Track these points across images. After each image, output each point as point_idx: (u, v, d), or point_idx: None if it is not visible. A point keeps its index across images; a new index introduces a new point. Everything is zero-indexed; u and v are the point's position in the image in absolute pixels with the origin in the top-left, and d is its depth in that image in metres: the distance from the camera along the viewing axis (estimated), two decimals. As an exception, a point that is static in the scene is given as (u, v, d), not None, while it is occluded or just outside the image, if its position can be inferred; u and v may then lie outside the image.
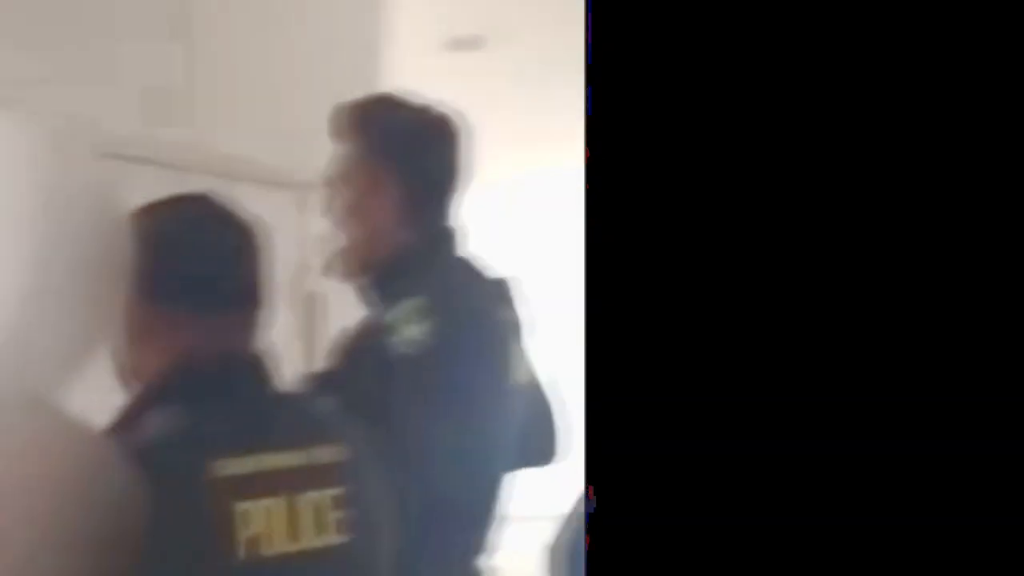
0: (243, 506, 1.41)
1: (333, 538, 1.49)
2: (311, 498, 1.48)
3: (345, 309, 2.23)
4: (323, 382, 2.05)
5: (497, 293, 2.09)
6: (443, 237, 2.09)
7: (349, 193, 2.06)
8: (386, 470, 1.62)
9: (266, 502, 1.43)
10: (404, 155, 2.04)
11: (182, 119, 3.41)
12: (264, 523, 1.43)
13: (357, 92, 2.15)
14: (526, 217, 7.58)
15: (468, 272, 2.09)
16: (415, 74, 3.81)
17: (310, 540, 1.47)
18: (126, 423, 1.47)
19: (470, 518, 2.03)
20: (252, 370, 1.53)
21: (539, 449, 2.22)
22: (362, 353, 2.00)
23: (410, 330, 1.89)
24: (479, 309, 2.00)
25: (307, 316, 3.30)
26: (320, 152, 2.13)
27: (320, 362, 2.25)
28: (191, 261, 1.51)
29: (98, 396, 1.41)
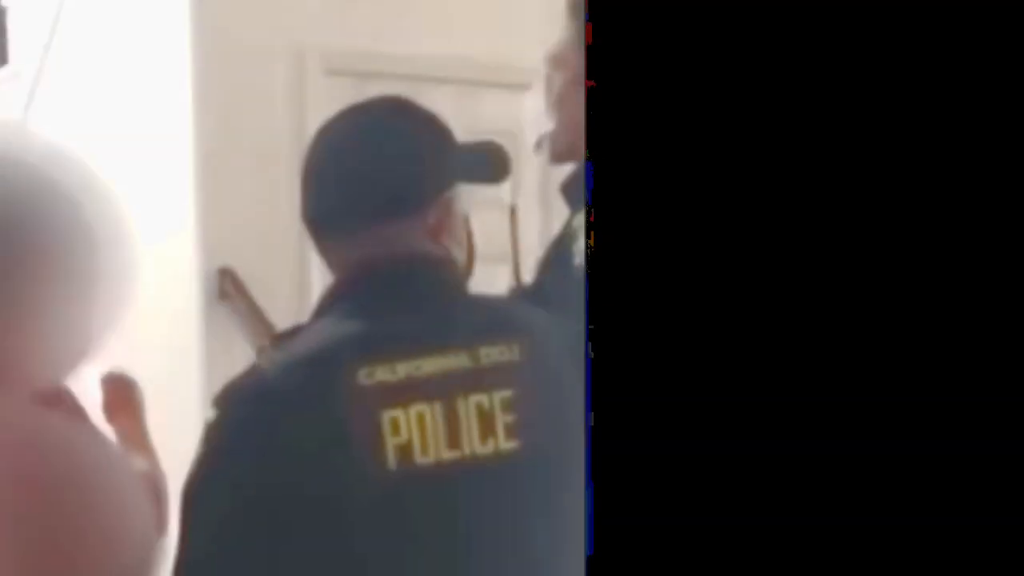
0: (392, 413, 1.39)
1: (503, 444, 1.44)
2: (476, 401, 1.43)
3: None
4: (517, 293, 2.10)
5: None
6: None
7: (562, 76, 2.05)
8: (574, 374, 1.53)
9: (418, 408, 1.40)
10: None
11: (411, 33, 3.50)
12: (417, 430, 1.39)
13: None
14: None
15: None
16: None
17: (475, 446, 1.43)
18: (287, 336, 1.52)
19: None
20: (417, 271, 1.51)
21: None
22: (552, 261, 2.00)
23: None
24: None
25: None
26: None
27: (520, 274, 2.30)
28: (355, 172, 1.51)
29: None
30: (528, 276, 2.17)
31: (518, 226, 3.32)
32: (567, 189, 2.07)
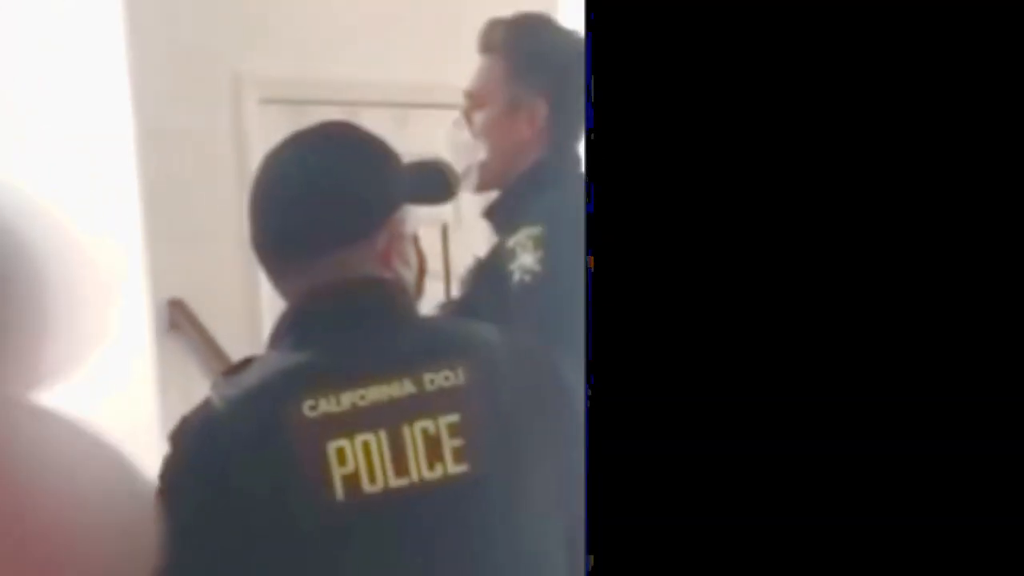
0: (337, 444, 1.38)
1: (451, 468, 1.43)
2: (422, 427, 1.43)
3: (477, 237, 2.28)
4: (450, 309, 2.12)
5: None
6: (572, 162, 2.13)
7: (491, 109, 2.11)
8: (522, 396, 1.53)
9: (364, 437, 1.40)
10: (548, 78, 2.08)
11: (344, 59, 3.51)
12: (364, 459, 1.39)
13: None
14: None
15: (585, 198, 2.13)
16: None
17: (423, 472, 1.42)
18: (237, 369, 1.50)
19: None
20: (364, 299, 1.51)
21: None
22: (486, 279, 2.05)
23: (527, 258, 1.92)
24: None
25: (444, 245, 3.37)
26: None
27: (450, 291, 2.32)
28: (302, 200, 1.50)
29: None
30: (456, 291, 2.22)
31: (449, 243, 3.36)
32: (492, 214, 2.13)
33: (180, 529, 1.36)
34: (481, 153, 2.11)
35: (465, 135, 2.12)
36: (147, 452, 1.45)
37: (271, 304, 3.20)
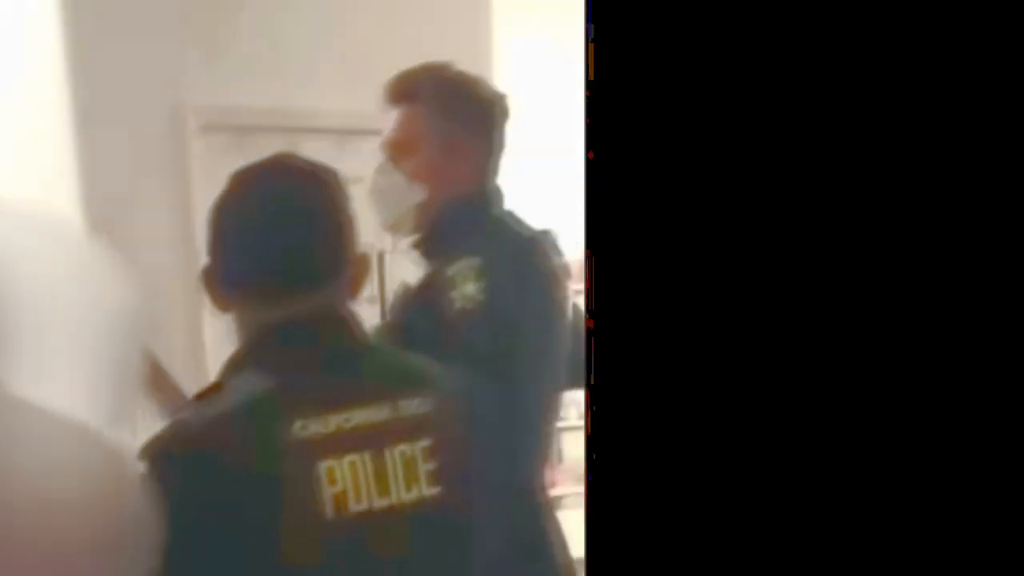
0: (327, 464, 1.44)
1: (425, 490, 1.52)
2: (400, 451, 1.51)
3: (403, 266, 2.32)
4: (384, 332, 2.16)
5: (542, 245, 2.20)
6: (497, 195, 2.23)
7: (424, 154, 2.16)
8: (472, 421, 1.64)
9: (351, 458, 1.46)
10: (482, 117, 2.19)
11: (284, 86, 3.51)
12: (351, 479, 1.45)
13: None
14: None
15: (515, 228, 2.21)
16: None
17: (401, 494, 1.50)
18: (209, 392, 1.53)
19: (526, 460, 2.11)
20: (336, 330, 1.56)
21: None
22: (420, 306, 2.12)
23: (469, 286, 2.00)
24: (528, 264, 2.12)
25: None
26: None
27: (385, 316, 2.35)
28: (269, 237, 1.53)
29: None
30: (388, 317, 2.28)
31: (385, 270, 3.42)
32: (425, 244, 2.21)
33: (167, 549, 1.35)
34: (417, 196, 2.16)
35: (397, 179, 2.16)
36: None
37: (213, 334, 3.17)
